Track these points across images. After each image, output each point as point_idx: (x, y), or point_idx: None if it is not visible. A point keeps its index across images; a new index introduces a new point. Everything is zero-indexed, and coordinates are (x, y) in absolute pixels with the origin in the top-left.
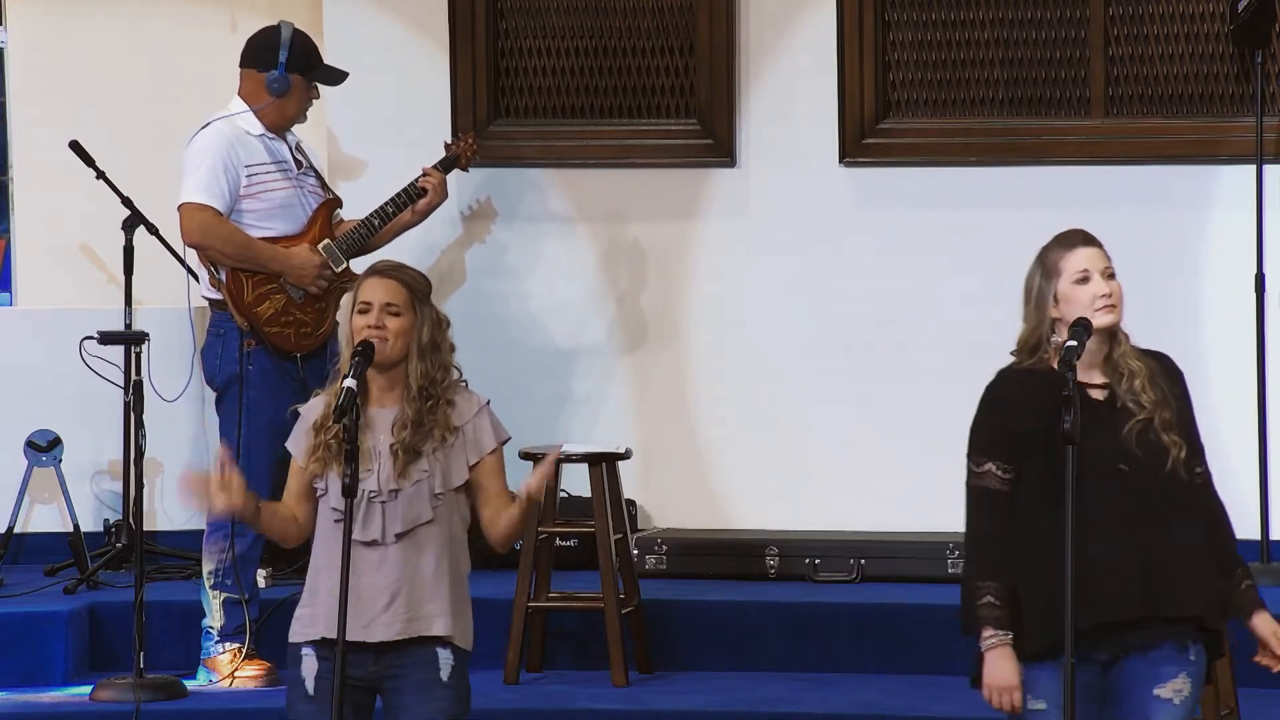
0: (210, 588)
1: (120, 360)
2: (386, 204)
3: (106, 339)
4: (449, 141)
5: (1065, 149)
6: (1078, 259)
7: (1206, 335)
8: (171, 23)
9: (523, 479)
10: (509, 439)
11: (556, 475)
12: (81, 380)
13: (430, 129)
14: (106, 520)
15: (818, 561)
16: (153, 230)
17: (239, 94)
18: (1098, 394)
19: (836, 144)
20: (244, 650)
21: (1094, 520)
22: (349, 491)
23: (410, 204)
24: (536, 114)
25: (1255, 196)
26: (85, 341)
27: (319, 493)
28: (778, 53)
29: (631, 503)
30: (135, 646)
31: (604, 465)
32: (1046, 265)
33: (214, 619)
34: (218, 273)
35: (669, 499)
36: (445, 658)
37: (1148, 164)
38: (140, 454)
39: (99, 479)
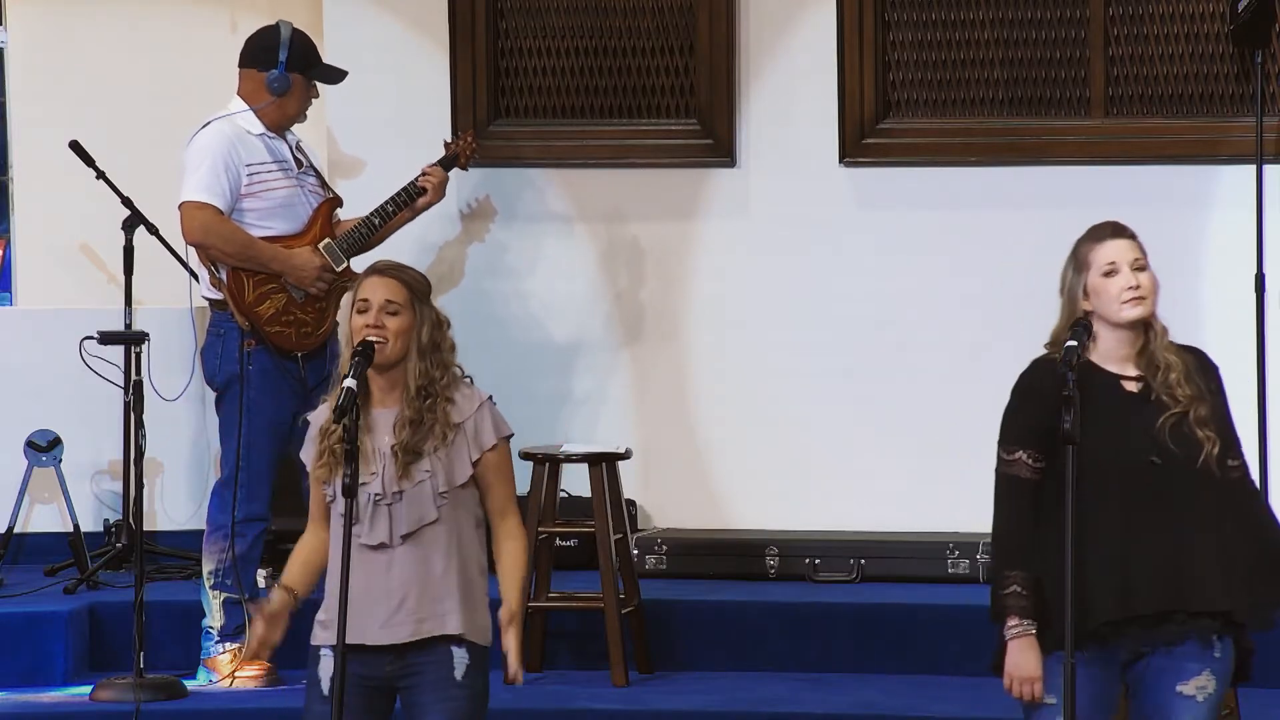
0: (210, 588)
1: (120, 360)
2: (386, 203)
3: (106, 339)
4: (448, 140)
5: (1065, 149)
6: (1106, 251)
7: (1206, 335)
8: (171, 23)
9: (523, 480)
10: (512, 434)
11: (556, 475)
12: (81, 380)
13: (430, 129)
14: (106, 520)
15: (818, 561)
16: (153, 230)
17: (239, 94)
18: (1132, 386)
19: (836, 144)
20: (244, 650)
21: (1122, 511)
22: (349, 492)
23: (410, 203)
24: (536, 114)
25: (1255, 196)
26: (85, 341)
27: (328, 498)
28: (778, 53)
29: (631, 503)
30: (135, 646)
31: (604, 465)
32: (1078, 258)
33: (214, 619)
34: (218, 272)
35: (669, 499)
36: (460, 656)
37: (1148, 164)
38: (140, 454)
39: (99, 479)
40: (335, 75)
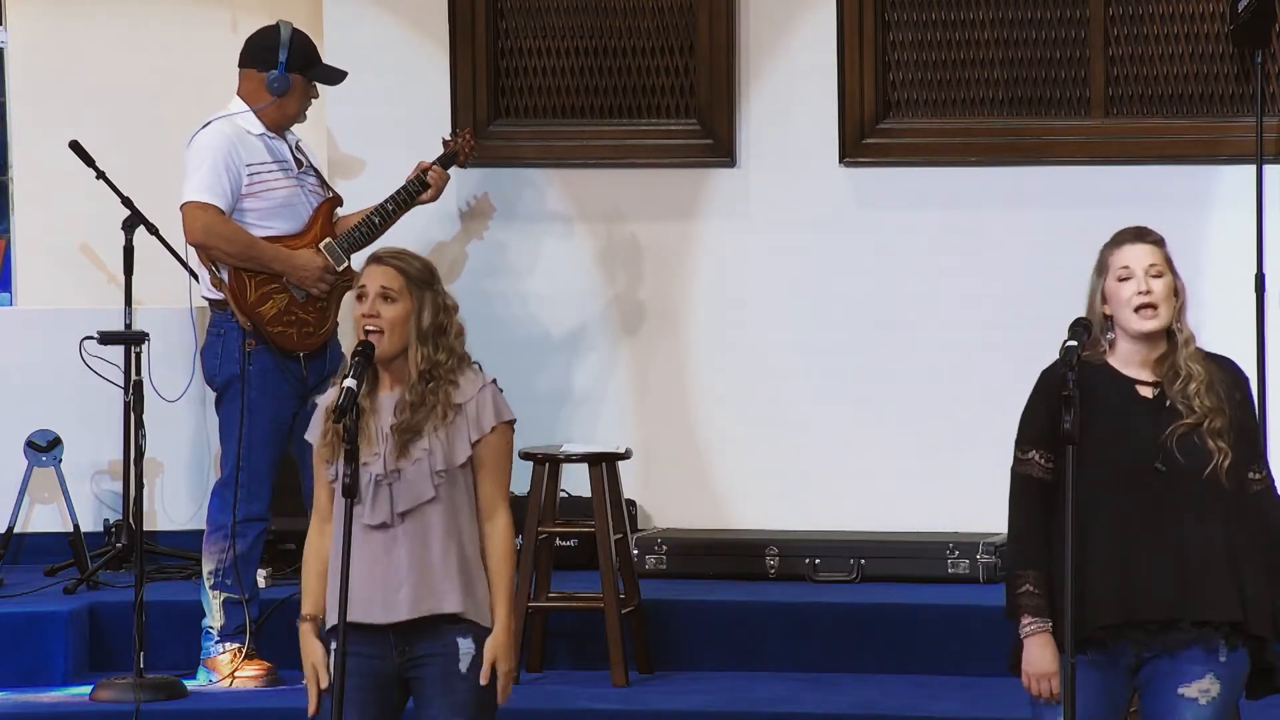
0: (210, 588)
1: (120, 360)
2: (386, 201)
3: (106, 339)
4: (447, 138)
5: (1065, 149)
6: (1123, 256)
7: (1206, 335)
8: (171, 23)
9: (523, 480)
10: (514, 419)
11: (556, 475)
12: (81, 380)
13: (430, 129)
14: (106, 520)
15: (818, 561)
16: (153, 230)
17: (238, 94)
18: (1147, 392)
19: (836, 144)
20: (244, 650)
21: (1126, 517)
22: (348, 492)
23: (410, 201)
24: (536, 114)
25: (1255, 196)
26: (85, 341)
27: (330, 480)
28: (778, 53)
29: (631, 503)
30: (135, 646)
31: (604, 465)
32: (1100, 261)
33: (214, 619)
34: (219, 272)
35: (669, 499)
36: (465, 648)
37: (1148, 164)
38: (140, 454)
39: (99, 479)
40: (335, 76)
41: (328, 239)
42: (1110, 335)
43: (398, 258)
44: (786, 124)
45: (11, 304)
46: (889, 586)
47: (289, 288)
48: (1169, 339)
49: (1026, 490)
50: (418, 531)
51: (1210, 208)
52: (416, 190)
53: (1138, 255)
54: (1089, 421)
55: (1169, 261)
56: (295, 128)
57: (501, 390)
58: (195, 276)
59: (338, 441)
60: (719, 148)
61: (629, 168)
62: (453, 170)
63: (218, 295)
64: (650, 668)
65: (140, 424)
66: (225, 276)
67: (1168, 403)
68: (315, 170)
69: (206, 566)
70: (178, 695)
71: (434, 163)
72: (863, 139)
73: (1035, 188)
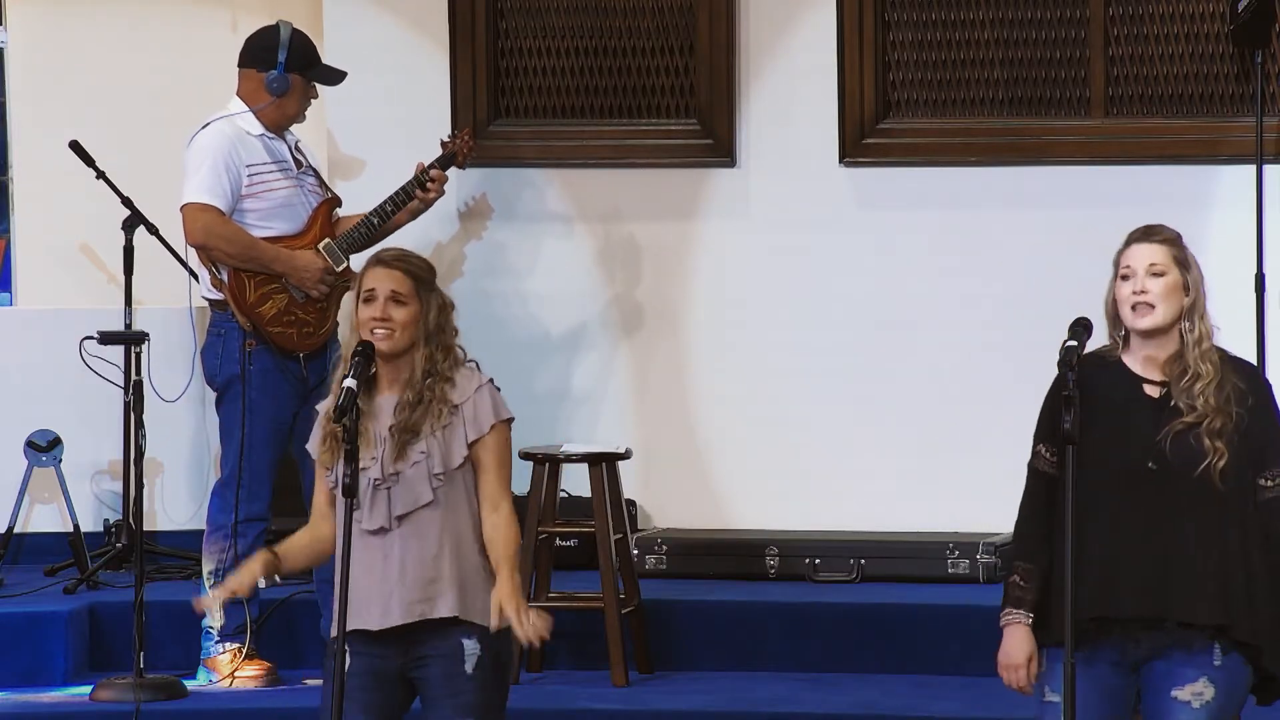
0: (210, 588)
1: (120, 360)
2: (385, 202)
3: (106, 339)
4: (445, 139)
5: (1065, 149)
6: (1128, 255)
7: None
8: (171, 23)
9: (523, 480)
10: (512, 419)
11: (556, 475)
12: (81, 380)
13: (430, 129)
14: (106, 520)
15: (818, 561)
16: (153, 230)
17: (238, 94)
18: (1153, 390)
19: (836, 144)
20: (244, 650)
21: (1117, 515)
22: (348, 491)
23: (409, 202)
24: (536, 114)
25: (1255, 196)
26: (85, 341)
27: (331, 485)
28: (778, 53)
29: (631, 503)
30: (135, 646)
31: (604, 465)
32: (1115, 260)
33: (214, 619)
34: (219, 273)
35: (669, 499)
36: (471, 648)
37: (1148, 164)
38: (140, 454)
39: (99, 479)
40: (334, 76)
41: (327, 240)
42: (1123, 333)
43: (403, 260)
44: (786, 124)
45: (11, 304)
46: (889, 586)
47: (288, 288)
48: (1181, 339)
49: (1034, 484)
50: (415, 535)
51: (1210, 208)
52: (415, 191)
53: (1140, 254)
54: (1091, 419)
55: (1177, 261)
56: (294, 128)
57: (499, 389)
58: (195, 276)
59: (336, 444)
60: (719, 148)
61: (629, 168)
62: (452, 171)
63: (218, 295)
64: (650, 668)
65: (140, 424)
66: (225, 277)
67: (1171, 402)
68: (314, 171)
69: (206, 566)
70: (178, 695)
71: (433, 164)
72: (863, 139)
73: (1035, 188)
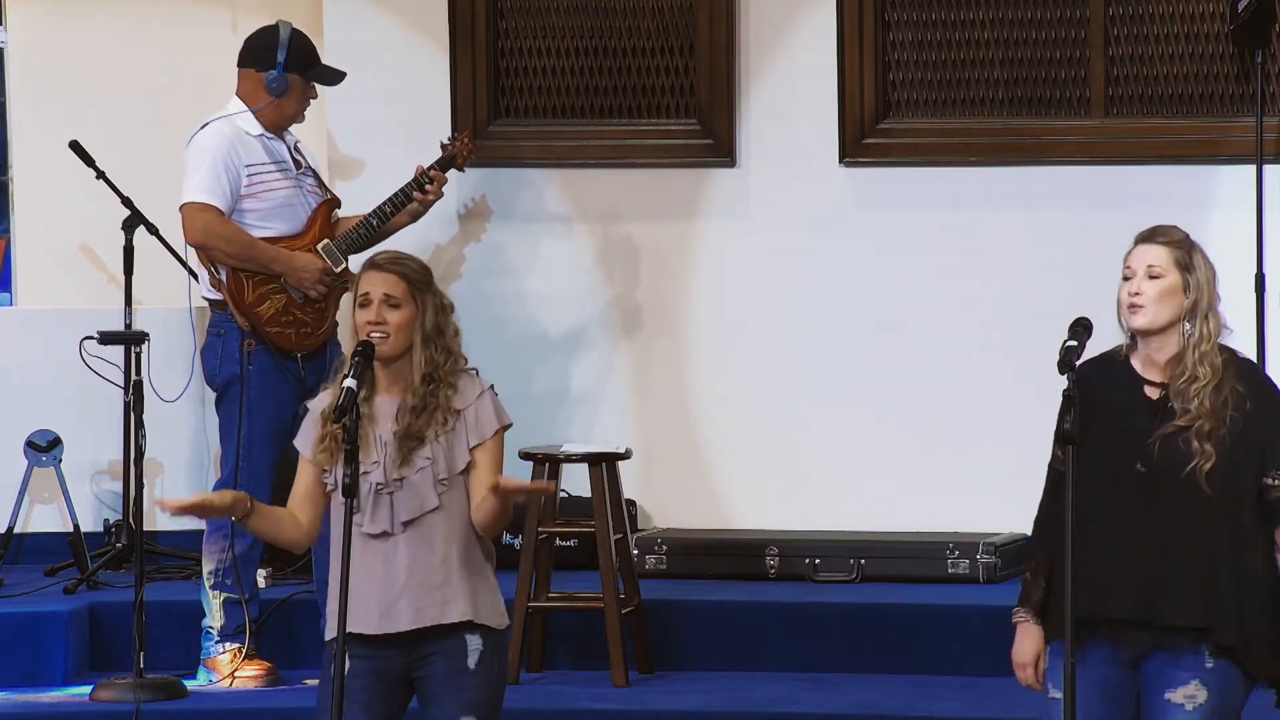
0: (210, 588)
1: (120, 360)
2: (385, 203)
3: (106, 339)
4: (445, 141)
5: (1065, 149)
6: (1131, 255)
7: None
8: (171, 23)
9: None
10: (511, 424)
11: (556, 475)
12: (81, 380)
13: (430, 129)
14: (106, 520)
15: (818, 561)
16: (153, 230)
17: (237, 94)
18: (1153, 391)
19: (836, 144)
20: (244, 650)
21: (1110, 516)
22: (349, 491)
23: (409, 203)
24: (536, 114)
25: (1255, 196)
26: (85, 341)
27: (328, 487)
28: (778, 53)
29: (631, 503)
30: (135, 646)
31: (604, 465)
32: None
33: (214, 619)
34: (218, 273)
35: (669, 499)
36: (474, 644)
37: (1148, 164)
38: (140, 454)
39: (99, 479)
40: (334, 76)
41: (326, 240)
42: (1130, 333)
43: (397, 262)
44: (786, 124)
45: (11, 304)
46: (889, 586)
47: (287, 288)
48: (1182, 340)
49: (1050, 485)
50: (420, 540)
51: (1210, 208)
52: (414, 193)
53: (1141, 255)
54: (1093, 419)
55: (1179, 263)
56: (294, 128)
57: (497, 394)
58: (195, 276)
59: (335, 444)
60: (719, 148)
61: (629, 168)
62: (452, 172)
63: (217, 295)
64: (650, 668)
65: (140, 424)
66: (223, 277)
67: (1168, 404)
68: (314, 171)
69: (207, 566)
70: (178, 695)
71: (432, 166)
72: (863, 139)
73: (1035, 188)
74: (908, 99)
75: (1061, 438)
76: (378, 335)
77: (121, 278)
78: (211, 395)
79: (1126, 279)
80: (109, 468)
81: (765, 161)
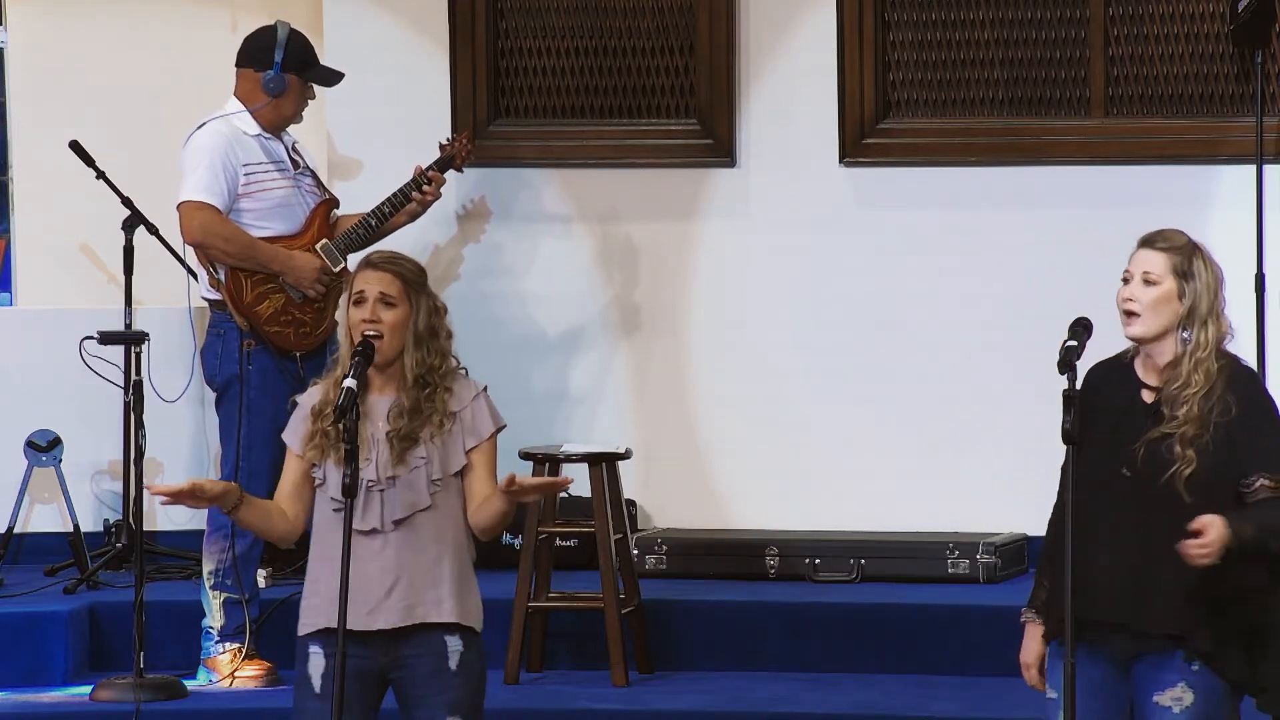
0: (210, 588)
1: (120, 360)
2: (383, 204)
3: (106, 339)
4: (443, 142)
5: (1065, 149)
6: (1132, 259)
7: None
8: (171, 23)
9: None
10: (505, 426)
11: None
12: (81, 380)
13: (430, 129)
14: (106, 520)
15: (818, 561)
16: (153, 230)
17: (235, 94)
18: (1148, 396)
19: (836, 144)
20: (244, 650)
21: (1097, 518)
22: (349, 491)
23: (407, 204)
24: (536, 114)
25: (1255, 196)
26: (85, 341)
27: (317, 482)
28: (778, 53)
29: (631, 503)
30: (135, 646)
31: (604, 465)
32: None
33: (214, 619)
34: (216, 272)
35: (669, 499)
36: (454, 645)
37: (1148, 164)
38: (140, 454)
39: (99, 479)
40: (332, 77)
41: (324, 240)
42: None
43: (393, 262)
44: (786, 124)
45: (11, 304)
46: (889, 586)
47: (285, 288)
48: (1179, 346)
49: (1060, 484)
50: (410, 538)
51: (1210, 208)
52: (413, 193)
53: (1139, 260)
54: (1093, 420)
55: (1176, 270)
56: (292, 129)
57: (489, 395)
58: (194, 276)
59: (327, 442)
60: (719, 148)
61: (629, 168)
62: (453, 172)
63: (216, 296)
64: (650, 668)
65: (140, 424)
66: (222, 276)
67: (1160, 408)
68: (312, 171)
69: (207, 566)
70: (178, 695)
71: (430, 166)
72: (863, 139)
73: (1035, 188)
74: (908, 99)
75: (1062, 438)
76: (372, 334)
77: (121, 278)
78: (211, 395)
79: (1125, 282)
80: (109, 468)
81: (765, 161)
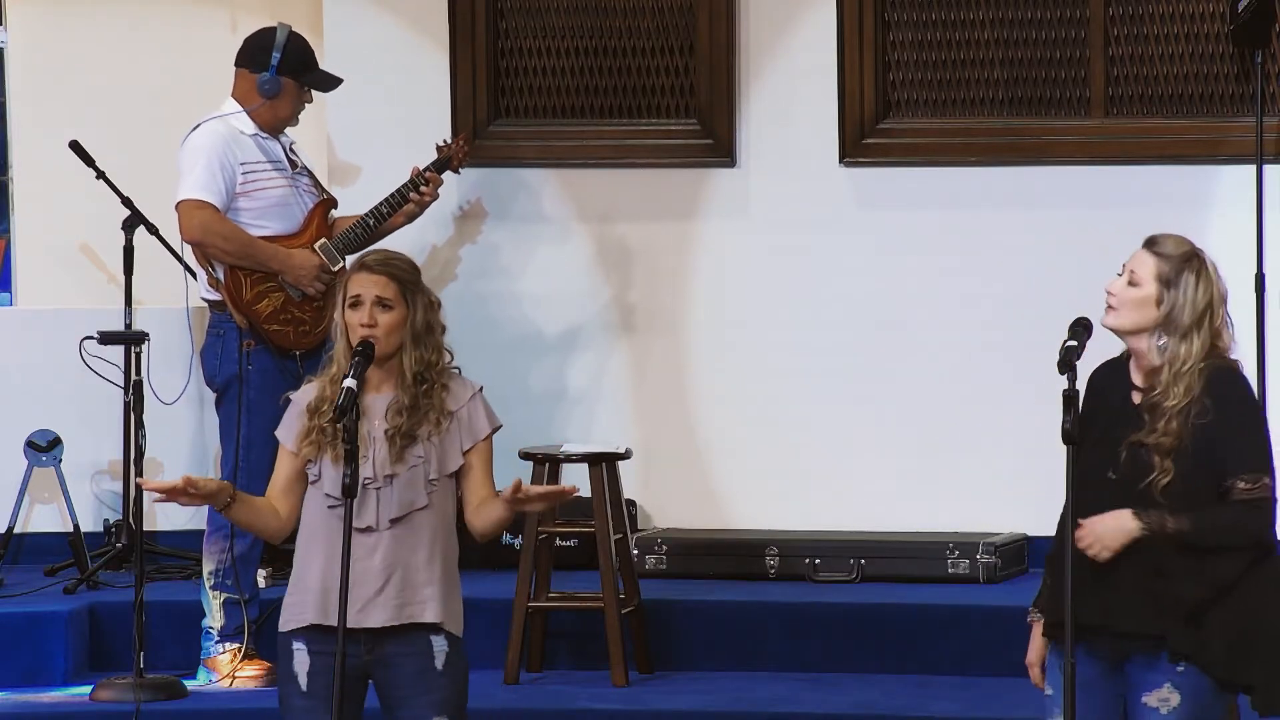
0: (210, 588)
1: (120, 360)
2: (381, 204)
3: (106, 339)
4: (440, 144)
5: (1065, 149)
6: (1132, 256)
7: None
8: (171, 23)
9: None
10: (501, 426)
11: (556, 475)
12: (81, 380)
13: (430, 129)
14: (106, 520)
15: (818, 561)
16: (153, 230)
17: (233, 94)
18: (1136, 398)
19: (836, 144)
20: (244, 650)
21: (1085, 518)
22: (349, 491)
23: (405, 204)
24: (536, 114)
25: (1255, 196)
26: (85, 341)
27: (311, 479)
28: (778, 53)
29: (631, 503)
30: (135, 646)
31: (604, 465)
32: None
33: (214, 619)
34: (215, 271)
35: (669, 499)
36: (439, 646)
37: (1148, 164)
38: (140, 454)
39: (99, 479)
40: (329, 83)
41: (323, 240)
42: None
43: (387, 264)
44: (786, 124)
45: (11, 304)
46: (889, 586)
47: (284, 286)
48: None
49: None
50: (404, 537)
51: (1210, 208)
52: (410, 194)
53: (1134, 259)
54: (1092, 422)
55: (1163, 278)
56: (289, 131)
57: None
58: (193, 275)
59: (323, 439)
60: (719, 148)
61: (629, 168)
62: (454, 173)
63: (216, 296)
64: (650, 668)
65: (140, 424)
66: (221, 275)
67: (1143, 414)
68: (309, 171)
69: (207, 567)
70: (178, 695)
71: (427, 168)
72: (863, 139)
73: (1035, 188)
74: (908, 99)
75: (1062, 438)
76: (370, 337)
77: (121, 278)
78: (210, 395)
79: (1119, 275)
80: (109, 468)
81: (765, 161)
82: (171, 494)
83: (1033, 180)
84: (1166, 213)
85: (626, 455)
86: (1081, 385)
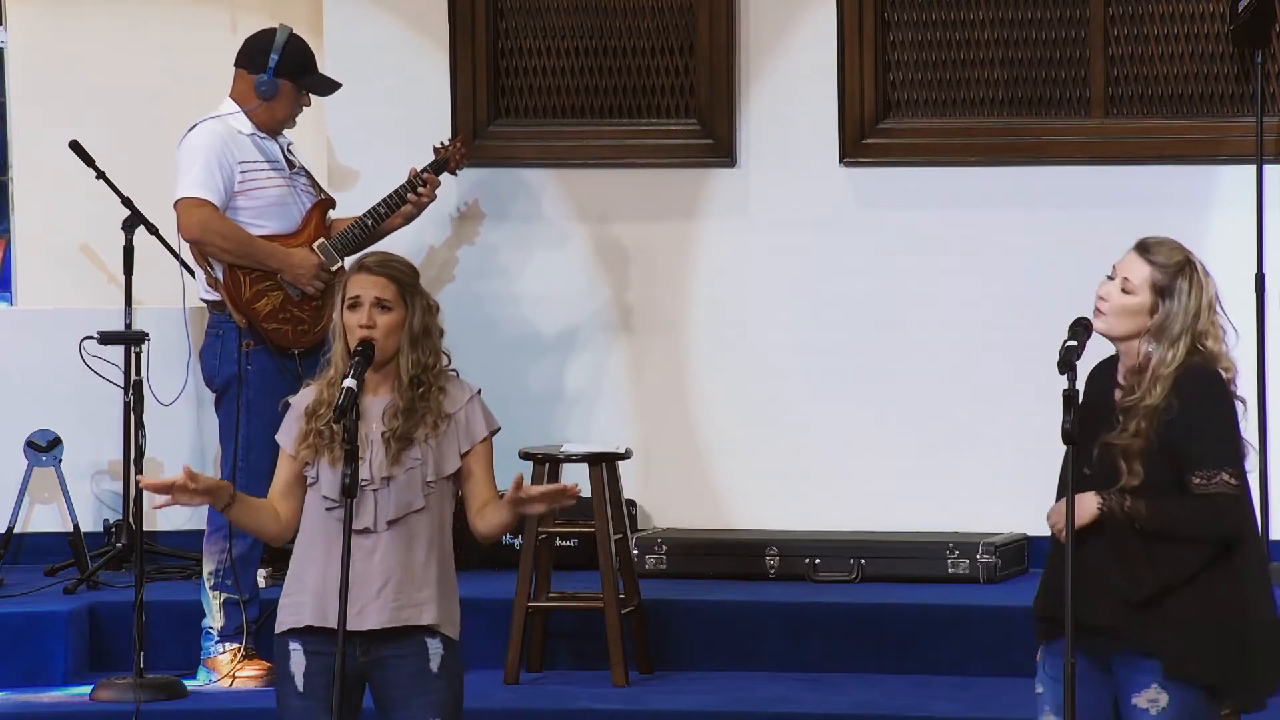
0: (210, 588)
1: (120, 360)
2: (379, 205)
3: (106, 339)
4: (438, 146)
5: (1065, 149)
6: (1123, 257)
7: None
8: (171, 23)
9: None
10: (499, 429)
11: (556, 475)
12: (81, 380)
13: (430, 130)
14: (106, 520)
15: (818, 561)
16: (153, 230)
17: (231, 94)
18: (1117, 395)
19: (836, 144)
20: (243, 650)
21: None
22: (349, 492)
23: (402, 205)
24: (536, 114)
25: (1255, 196)
26: (85, 341)
27: (309, 481)
28: (778, 53)
29: (631, 503)
30: (135, 646)
31: (604, 465)
32: None
33: (214, 619)
34: (214, 271)
35: (669, 499)
36: (435, 648)
37: (1148, 164)
38: (140, 454)
39: (99, 479)
40: (327, 86)
41: (321, 240)
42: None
43: (386, 265)
44: (786, 124)
45: (11, 304)
46: (889, 586)
47: (283, 285)
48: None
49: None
50: (401, 539)
51: (1210, 208)
52: (408, 195)
53: (1125, 264)
54: (1083, 417)
55: (1157, 286)
56: (287, 131)
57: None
58: (192, 274)
59: (321, 442)
60: (719, 148)
61: (629, 168)
62: (451, 175)
63: (215, 296)
64: (650, 668)
65: (140, 424)
66: (219, 274)
67: (1118, 414)
68: (306, 171)
69: (207, 567)
70: (178, 695)
71: (425, 169)
72: (863, 139)
73: (1035, 188)
74: (908, 99)
75: (1062, 438)
76: (369, 339)
77: (121, 278)
78: (210, 396)
79: (1109, 278)
80: (109, 468)
81: (765, 161)
82: (172, 490)
83: (1033, 180)
84: (1166, 213)
85: (626, 455)
86: (1082, 384)
